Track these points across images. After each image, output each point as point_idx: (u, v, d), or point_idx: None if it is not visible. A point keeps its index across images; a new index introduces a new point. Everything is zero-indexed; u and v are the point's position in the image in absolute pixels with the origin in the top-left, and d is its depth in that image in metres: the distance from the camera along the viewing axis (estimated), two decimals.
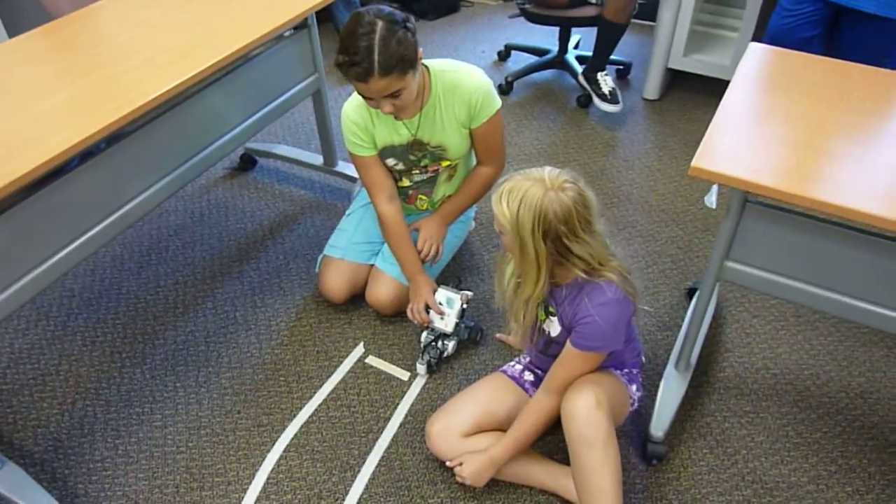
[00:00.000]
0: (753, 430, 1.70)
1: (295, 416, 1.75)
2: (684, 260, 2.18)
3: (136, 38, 1.77)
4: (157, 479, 1.62)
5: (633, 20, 2.64)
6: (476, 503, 1.56)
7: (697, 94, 2.98)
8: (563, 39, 3.01)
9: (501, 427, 1.57)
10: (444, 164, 1.86)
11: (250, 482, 1.61)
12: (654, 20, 2.88)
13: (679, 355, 1.71)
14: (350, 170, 2.47)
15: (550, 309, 1.46)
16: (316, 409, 1.76)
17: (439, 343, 1.82)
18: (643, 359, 1.67)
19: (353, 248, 1.97)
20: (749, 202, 1.37)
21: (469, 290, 1.83)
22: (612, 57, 2.82)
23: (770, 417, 1.73)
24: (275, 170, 2.62)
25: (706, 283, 1.53)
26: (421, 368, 1.82)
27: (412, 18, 1.57)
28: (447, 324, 1.79)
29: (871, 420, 1.72)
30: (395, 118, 1.71)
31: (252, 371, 1.86)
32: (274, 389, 1.82)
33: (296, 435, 1.70)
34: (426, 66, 1.71)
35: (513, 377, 1.65)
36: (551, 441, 1.66)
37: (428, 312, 1.79)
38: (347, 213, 2.07)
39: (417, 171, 1.88)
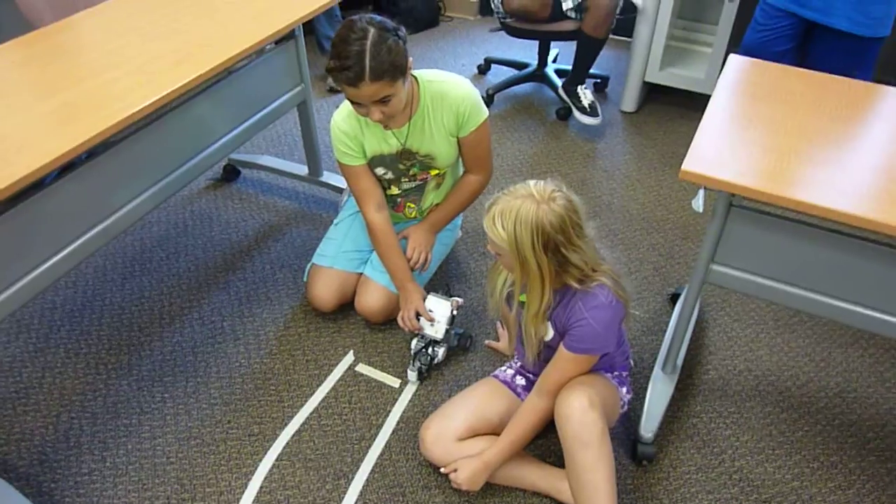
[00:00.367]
0: (738, 430, 1.74)
1: (286, 424, 1.74)
2: (666, 267, 2.23)
3: (121, 48, 1.76)
4: (147, 490, 1.60)
5: (610, 35, 2.70)
6: None
7: (672, 106, 3.06)
8: (543, 53, 3.07)
9: (495, 431, 1.59)
10: (433, 172, 1.89)
11: (243, 492, 1.59)
12: (630, 36, 2.96)
13: (666, 358, 1.75)
14: (335, 180, 2.49)
15: None
16: (307, 418, 1.76)
17: (429, 350, 1.83)
18: (632, 362, 1.70)
19: (342, 257, 1.98)
20: (734, 206, 1.42)
21: (459, 296, 1.85)
22: (590, 70, 2.89)
23: (754, 417, 1.77)
24: (258, 180, 2.62)
25: (692, 285, 1.57)
26: (412, 375, 1.83)
27: (403, 28, 1.60)
28: (437, 331, 1.80)
29: (850, 418, 1.78)
30: (385, 127, 1.73)
31: (241, 381, 1.85)
32: (264, 399, 1.81)
33: (288, 443, 1.70)
34: (415, 76, 1.74)
35: (505, 382, 1.67)
36: (543, 444, 1.68)
37: (418, 320, 1.81)
38: (335, 222, 2.08)
39: (406, 180, 1.90)
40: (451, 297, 1.82)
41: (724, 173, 1.29)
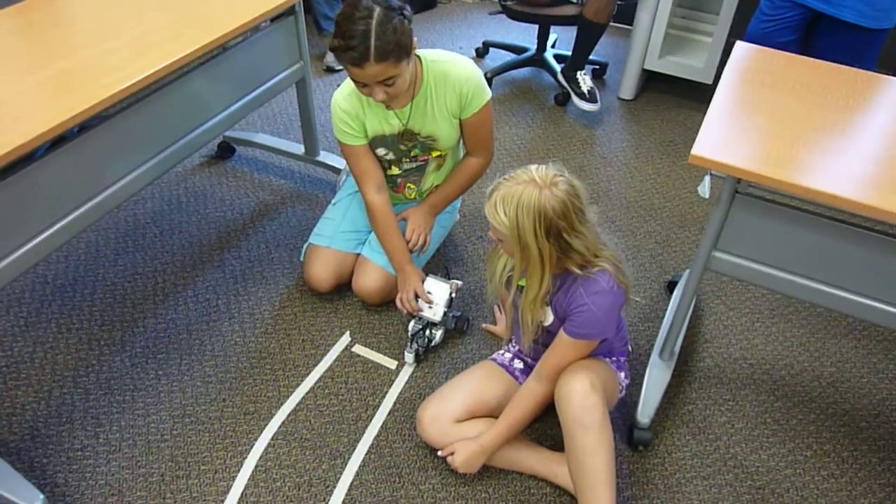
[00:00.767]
0: (733, 418, 1.75)
1: (282, 404, 1.73)
2: (662, 254, 2.23)
3: (118, 19, 1.72)
4: (140, 467, 1.58)
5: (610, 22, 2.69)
6: (467, 489, 1.57)
7: (670, 95, 3.05)
8: (542, 37, 3.04)
9: (492, 414, 1.58)
10: (434, 154, 1.87)
11: (238, 470, 1.58)
12: (629, 23, 2.94)
13: (663, 345, 1.76)
14: (331, 160, 2.46)
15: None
16: (303, 398, 1.75)
17: (427, 332, 1.82)
18: (630, 347, 1.71)
19: (340, 237, 1.96)
20: (739, 193, 1.41)
21: (457, 279, 1.84)
22: (589, 56, 2.87)
23: (749, 405, 1.78)
24: (253, 159, 2.59)
25: (693, 273, 1.57)
26: (409, 357, 1.82)
27: (408, 7, 1.58)
28: (435, 313, 1.79)
29: (843, 408, 1.79)
30: (387, 107, 1.71)
31: (236, 359, 1.84)
32: (259, 378, 1.79)
33: (283, 423, 1.69)
34: (418, 56, 1.72)
35: (503, 365, 1.66)
36: (541, 428, 1.68)
37: (416, 302, 1.80)
38: (333, 202, 2.06)
39: (407, 161, 1.88)
40: (449, 279, 1.81)
41: (733, 158, 1.28)
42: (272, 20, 2.00)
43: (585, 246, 1.37)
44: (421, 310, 1.80)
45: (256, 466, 1.59)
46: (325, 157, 2.47)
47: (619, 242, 2.26)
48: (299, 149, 2.48)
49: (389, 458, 1.62)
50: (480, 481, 1.58)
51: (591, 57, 2.91)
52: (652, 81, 3.10)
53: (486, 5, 3.79)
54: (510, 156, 2.63)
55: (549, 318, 1.49)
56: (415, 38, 1.58)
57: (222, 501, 1.52)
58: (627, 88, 3.02)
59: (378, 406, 1.74)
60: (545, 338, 1.52)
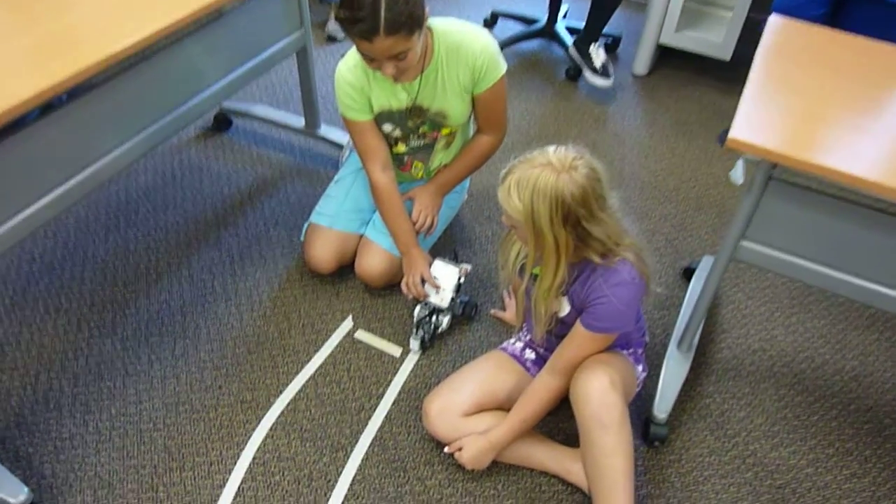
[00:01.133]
0: (752, 413, 1.68)
1: (281, 392, 1.65)
2: (678, 239, 2.14)
3: None
4: (132, 458, 1.50)
5: None
6: (475, 485, 1.50)
7: (685, 71, 2.94)
8: (553, 8, 2.91)
9: (502, 407, 1.51)
10: (444, 131, 1.76)
11: (235, 462, 1.51)
12: None
13: (682, 336, 1.67)
14: (333, 135, 2.35)
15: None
16: (303, 386, 1.67)
17: (433, 318, 1.74)
18: (647, 338, 1.62)
19: (343, 217, 1.86)
20: (773, 179, 1.32)
21: (466, 263, 1.75)
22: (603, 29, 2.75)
23: (768, 400, 1.71)
24: (251, 131, 2.48)
25: (718, 262, 1.49)
26: (414, 345, 1.74)
27: None
28: (443, 298, 1.71)
29: (866, 404, 1.72)
30: (394, 80, 1.60)
31: (233, 344, 1.75)
32: (258, 364, 1.71)
33: (282, 412, 1.61)
34: (429, 27, 1.60)
35: (513, 355, 1.58)
36: (552, 421, 1.61)
37: (423, 286, 1.71)
38: (335, 179, 1.96)
39: (415, 138, 1.77)
40: (458, 263, 1.72)
41: (773, 142, 1.19)
42: None
43: (606, 234, 1.28)
44: (427, 295, 1.71)
45: (254, 459, 1.51)
46: (326, 131, 2.36)
47: (633, 225, 2.17)
48: (300, 122, 2.37)
49: (394, 452, 1.55)
50: (489, 477, 1.51)
51: (604, 30, 2.79)
52: (666, 56, 2.98)
53: None
54: (518, 132, 2.52)
55: (566, 309, 1.40)
56: (427, 8, 1.47)
57: (218, 496, 1.45)
58: (641, 63, 2.90)
59: (382, 396, 1.66)
60: (560, 328, 1.44)
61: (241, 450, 1.53)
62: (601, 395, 1.27)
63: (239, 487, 1.46)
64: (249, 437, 1.55)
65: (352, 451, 1.54)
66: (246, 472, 1.49)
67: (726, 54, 2.72)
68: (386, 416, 1.61)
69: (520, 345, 1.61)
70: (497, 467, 1.51)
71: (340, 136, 2.32)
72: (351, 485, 1.48)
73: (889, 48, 1.50)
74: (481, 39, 1.64)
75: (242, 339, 1.76)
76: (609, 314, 1.32)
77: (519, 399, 1.45)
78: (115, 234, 2.04)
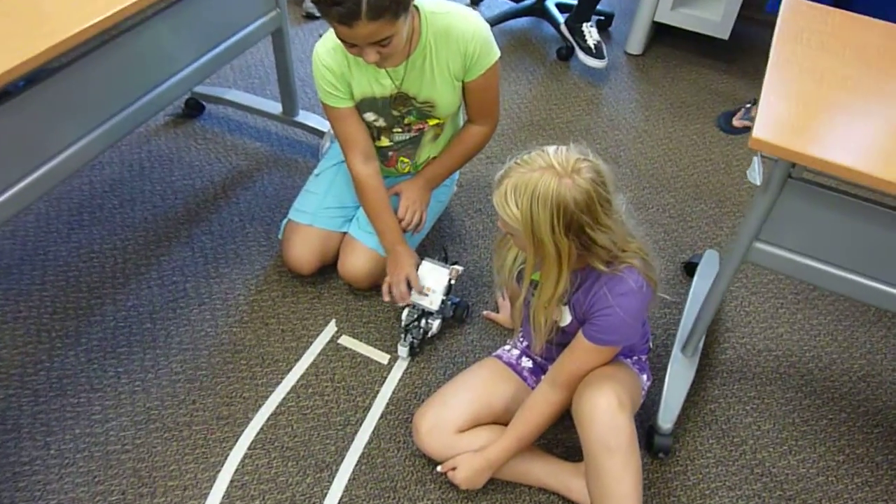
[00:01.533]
0: (759, 418, 1.60)
1: (260, 406, 1.54)
2: (678, 230, 2.04)
3: None
4: (98, 483, 1.39)
5: None
6: None
7: (680, 50, 2.81)
8: None
9: (498, 420, 1.41)
10: (431, 122, 1.63)
11: (211, 486, 1.40)
12: None
13: (687, 340, 1.58)
14: (312, 120, 2.21)
15: None
16: (284, 398, 1.56)
17: (422, 322, 1.62)
18: (651, 344, 1.53)
19: (324, 214, 1.73)
20: (792, 178, 1.22)
21: (458, 263, 1.63)
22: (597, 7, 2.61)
23: (775, 403, 1.63)
24: (225, 118, 2.33)
25: (728, 264, 1.39)
26: (403, 351, 1.63)
27: None
28: (432, 301, 1.59)
29: (875, 405, 1.65)
30: (377, 66, 1.47)
31: (208, 353, 1.63)
32: (234, 375, 1.59)
33: (262, 429, 1.50)
34: (416, 7, 1.46)
35: (509, 363, 1.48)
36: (550, 433, 1.51)
37: (409, 292, 1.59)
38: (316, 172, 1.82)
39: (399, 130, 1.64)
40: (448, 263, 1.61)
41: (800, 143, 1.08)
42: None
43: (612, 241, 1.17)
44: (411, 299, 1.59)
45: (232, 481, 1.41)
46: (305, 117, 2.22)
47: (640, 229, 2.07)
48: (276, 107, 2.22)
49: (382, 471, 1.44)
50: (485, 496, 1.41)
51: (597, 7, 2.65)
52: (661, 35, 2.85)
53: None
54: (508, 117, 2.39)
55: (567, 319, 1.30)
56: None
57: None
58: (635, 42, 2.77)
59: (369, 408, 1.55)
60: (560, 337, 1.33)
61: (218, 471, 1.42)
62: (609, 418, 1.18)
63: None
64: (227, 457, 1.44)
65: (337, 470, 1.44)
66: (223, 497, 1.38)
67: (724, 33, 2.60)
68: (373, 431, 1.51)
69: (516, 352, 1.51)
70: (494, 484, 1.42)
71: (320, 123, 2.18)
72: None
73: None
74: (473, 22, 1.51)
75: (217, 347, 1.64)
76: (614, 326, 1.22)
77: (516, 414, 1.35)
78: (78, 232, 1.89)
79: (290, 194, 1.80)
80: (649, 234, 2.02)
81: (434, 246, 1.89)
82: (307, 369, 1.62)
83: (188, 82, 1.70)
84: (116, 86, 1.51)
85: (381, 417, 1.53)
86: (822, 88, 1.21)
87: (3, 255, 1.82)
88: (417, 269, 1.60)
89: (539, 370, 1.47)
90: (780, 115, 1.13)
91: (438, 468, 1.37)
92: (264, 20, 1.89)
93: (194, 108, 2.31)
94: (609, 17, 2.92)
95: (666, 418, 1.48)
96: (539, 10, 2.81)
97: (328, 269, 1.78)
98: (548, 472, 1.41)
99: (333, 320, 1.72)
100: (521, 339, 1.53)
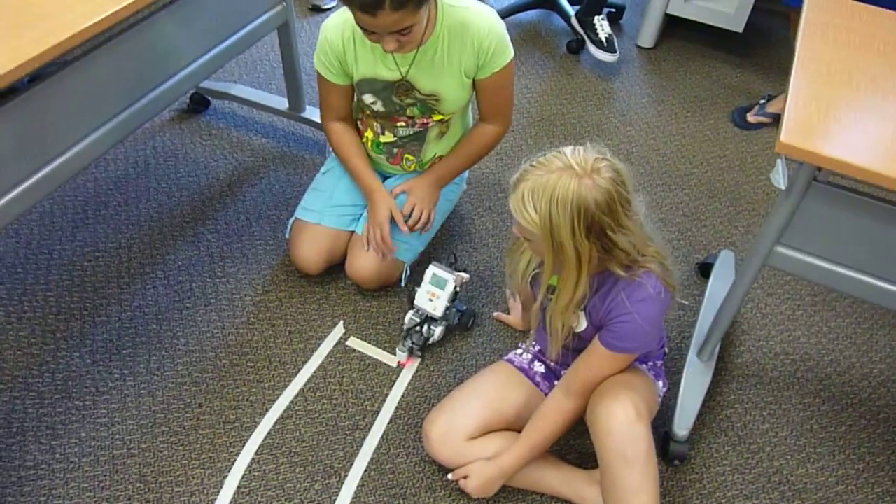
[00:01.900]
0: (776, 424, 1.56)
1: (267, 410, 1.51)
2: (692, 229, 2.00)
3: None
4: (104, 489, 1.37)
5: None
6: None
7: (693, 43, 2.76)
8: None
9: (510, 426, 1.38)
10: (436, 117, 1.60)
11: (218, 492, 1.37)
12: None
13: (703, 344, 1.55)
14: (319, 116, 2.16)
15: None
16: (292, 402, 1.53)
17: (424, 328, 1.58)
18: (667, 349, 1.49)
19: (331, 212, 1.70)
20: (817, 181, 1.17)
21: (466, 271, 1.60)
22: None
23: (793, 409, 1.60)
24: (231, 113, 2.29)
25: (749, 268, 1.35)
26: (401, 355, 1.59)
27: None
28: (436, 307, 1.56)
29: None
30: (385, 50, 1.43)
31: (214, 355, 1.60)
32: (241, 378, 1.57)
33: (269, 433, 1.47)
34: None
35: (521, 368, 1.45)
36: (562, 439, 1.47)
37: (395, 240, 1.60)
38: (323, 170, 1.79)
39: (403, 124, 1.61)
40: (456, 270, 1.57)
41: (831, 147, 1.04)
42: None
43: (632, 244, 1.14)
44: (419, 303, 1.56)
45: (239, 487, 1.38)
46: (311, 112, 2.17)
47: (658, 234, 2.03)
48: (283, 103, 2.18)
49: (392, 477, 1.42)
50: (496, 503, 1.39)
51: None
52: (673, 27, 2.80)
53: None
54: (518, 112, 2.35)
55: (583, 325, 1.27)
56: None
57: None
58: (647, 35, 2.72)
59: (378, 412, 1.52)
60: (576, 342, 1.30)
61: (225, 477, 1.40)
62: (626, 428, 1.15)
63: None
64: (234, 463, 1.42)
65: (346, 476, 1.41)
66: (230, 503, 1.36)
67: (739, 26, 2.54)
68: (382, 436, 1.48)
69: (528, 356, 1.47)
70: (505, 492, 1.39)
71: None
72: None
73: None
74: (490, 19, 1.47)
75: (224, 349, 1.62)
76: (632, 333, 1.19)
77: (529, 422, 1.32)
78: (83, 230, 1.87)
79: (297, 192, 1.77)
80: (663, 233, 1.97)
81: (444, 249, 1.86)
82: (315, 372, 1.59)
83: (195, 78, 1.67)
84: (123, 82, 1.48)
85: (390, 422, 1.51)
86: (851, 89, 1.16)
87: (7, 254, 1.79)
88: (426, 269, 1.57)
89: (552, 375, 1.44)
90: (807, 117, 1.09)
91: (449, 476, 1.34)
92: (271, 14, 1.85)
93: (199, 103, 2.27)
94: (620, 10, 2.87)
95: (682, 425, 1.45)
96: (549, 3, 2.75)
97: (336, 269, 1.75)
98: (561, 479, 1.38)
99: (341, 322, 1.69)
100: (532, 344, 1.50)
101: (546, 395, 1.37)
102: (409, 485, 1.41)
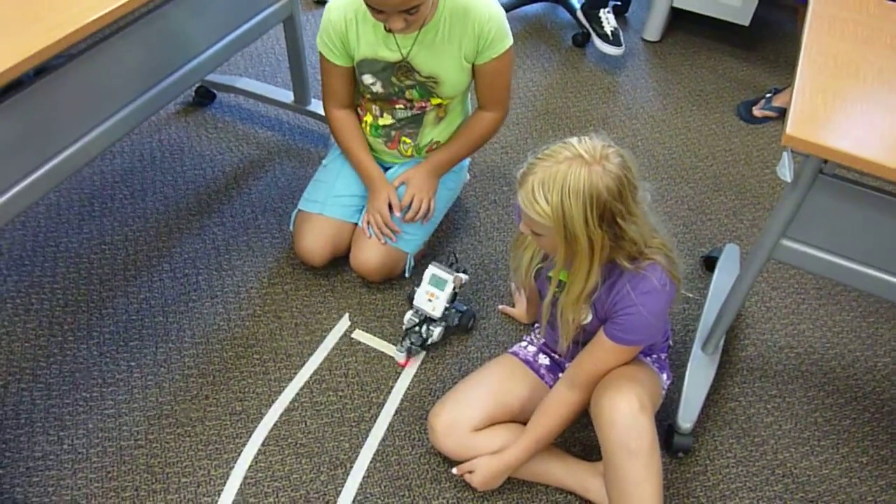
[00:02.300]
0: (780, 417, 1.57)
1: (273, 401, 1.52)
2: (697, 223, 2.00)
3: None
4: (111, 479, 1.38)
5: None
6: None
7: (699, 36, 2.75)
8: None
9: (515, 418, 1.39)
10: (434, 101, 1.60)
11: (224, 482, 1.38)
12: None
13: (708, 337, 1.55)
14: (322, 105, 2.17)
15: None
16: (297, 394, 1.54)
17: (423, 329, 1.58)
18: (671, 342, 1.50)
19: (334, 203, 1.70)
20: (823, 173, 1.17)
21: (466, 272, 1.60)
22: None
23: (797, 402, 1.60)
24: (236, 106, 2.29)
25: (754, 262, 1.35)
26: (400, 356, 1.59)
27: None
28: (435, 307, 1.56)
29: None
30: (387, 30, 1.44)
31: (220, 347, 1.61)
32: (247, 370, 1.57)
33: (275, 425, 1.48)
34: None
35: (526, 360, 1.45)
36: (566, 431, 1.48)
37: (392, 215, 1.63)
38: (325, 162, 1.79)
39: (401, 106, 1.61)
40: (455, 270, 1.57)
41: (839, 141, 1.03)
42: None
43: (640, 233, 1.14)
44: (419, 303, 1.56)
45: (245, 478, 1.39)
46: (317, 106, 2.18)
47: (663, 226, 2.03)
48: (288, 96, 2.18)
49: (397, 468, 1.43)
50: (501, 495, 1.39)
51: None
52: (679, 21, 2.79)
53: None
54: (524, 105, 2.35)
55: (588, 317, 1.27)
56: None
57: None
58: (653, 28, 2.71)
59: (383, 404, 1.53)
60: (582, 335, 1.31)
61: (231, 468, 1.41)
62: (630, 420, 1.15)
63: None
64: (240, 454, 1.43)
65: (351, 467, 1.42)
66: (237, 494, 1.37)
67: (745, 19, 2.53)
68: (388, 428, 1.49)
69: (532, 349, 1.48)
70: (510, 484, 1.39)
71: None
72: None
73: None
74: (491, 6, 1.48)
75: (230, 341, 1.63)
76: (637, 326, 1.19)
77: (534, 415, 1.32)
78: (89, 223, 1.88)
79: (303, 185, 1.77)
80: (668, 226, 1.97)
81: (449, 243, 1.86)
82: (321, 364, 1.60)
83: (201, 70, 1.67)
84: (129, 74, 1.48)
85: (395, 414, 1.51)
86: (857, 82, 1.16)
87: (14, 247, 1.81)
88: (426, 268, 1.57)
89: (557, 367, 1.44)
90: (813, 109, 1.09)
91: (454, 470, 1.35)
92: (276, 7, 1.85)
93: (205, 96, 2.28)
94: (626, 3, 2.85)
95: (686, 417, 1.45)
96: None
97: (341, 261, 1.75)
98: (565, 471, 1.39)
99: (347, 314, 1.70)
100: (536, 336, 1.50)
101: (551, 387, 1.37)
102: (414, 476, 1.42)
